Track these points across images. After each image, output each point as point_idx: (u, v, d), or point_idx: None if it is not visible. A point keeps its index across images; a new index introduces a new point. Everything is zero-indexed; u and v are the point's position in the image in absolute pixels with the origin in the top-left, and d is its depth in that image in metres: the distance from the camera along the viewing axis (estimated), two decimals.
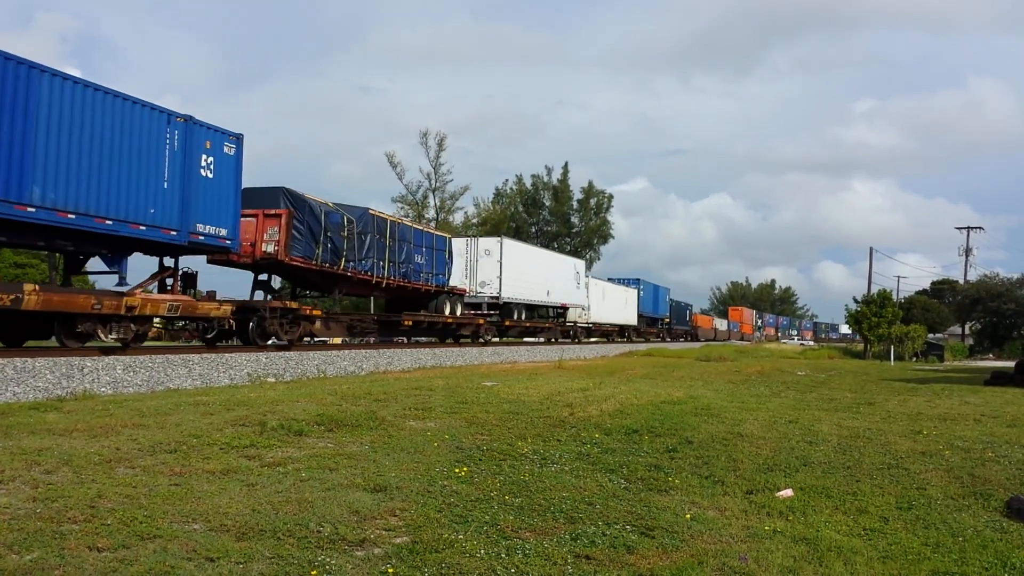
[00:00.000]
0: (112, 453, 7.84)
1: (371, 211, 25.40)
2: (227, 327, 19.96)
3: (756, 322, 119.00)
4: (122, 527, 5.49)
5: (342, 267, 23.33)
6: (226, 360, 17.35)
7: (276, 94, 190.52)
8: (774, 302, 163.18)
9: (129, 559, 4.92)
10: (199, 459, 7.80)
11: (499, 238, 36.04)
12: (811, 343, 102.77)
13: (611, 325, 54.48)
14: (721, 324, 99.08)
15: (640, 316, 59.98)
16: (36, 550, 4.98)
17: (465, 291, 32.79)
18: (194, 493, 6.50)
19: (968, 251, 78.81)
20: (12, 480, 6.63)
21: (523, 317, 38.10)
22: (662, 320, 69.46)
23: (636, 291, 59.55)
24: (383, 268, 25.73)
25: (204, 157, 17.55)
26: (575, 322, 46.96)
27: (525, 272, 36.89)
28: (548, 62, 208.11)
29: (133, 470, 7.27)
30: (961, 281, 78.48)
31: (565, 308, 43.97)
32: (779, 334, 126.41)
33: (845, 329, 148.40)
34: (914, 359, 50.65)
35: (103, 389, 13.71)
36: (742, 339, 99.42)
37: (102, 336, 15.82)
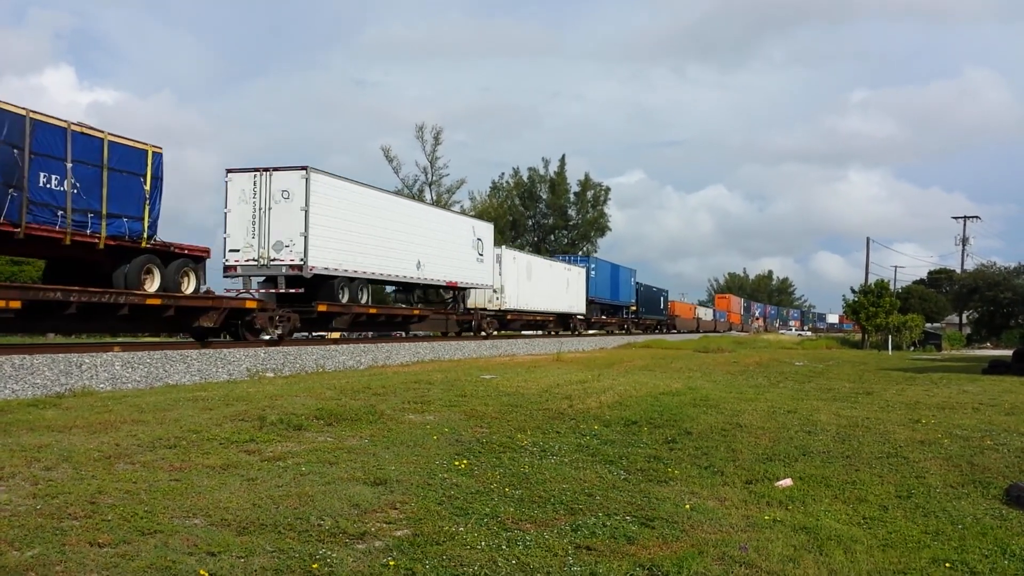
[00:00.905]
0: (112, 449, 7.84)
1: None
2: None
3: (745, 311, 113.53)
4: (123, 523, 5.49)
5: None
6: (224, 356, 17.34)
7: (272, 88, 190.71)
8: (772, 293, 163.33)
9: (130, 554, 4.92)
10: (199, 454, 7.80)
11: (304, 171, 22.13)
12: (809, 334, 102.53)
13: (544, 313, 41.73)
14: (705, 313, 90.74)
15: (591, 302, 49.03)
16: (37, 546, 4.97)
17: (205, 252, 19.43)
18: (194, 488, 6.50)
19: (965, 240, 79.00)
20: (12, 477, 6.63)
21: (364, 299, 25.64)
22: (627, 308, 58.87)
23: (584, 270, 47.39)
24: None
25: None
26: (481, 309, 35.16)
27: (364, 229, 24.68)
28: (543, 54, 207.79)
29: (133, 466, 7.27)
30: (958, 270, 78.63)
31: (456, 288, 32.55)
32: (767, 323, 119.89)
33: (832, 318, 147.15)
34: (912, 349, 50.78)
35: (102, 385, 13.69)
36: (730, 329, 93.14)
37: None
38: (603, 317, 54.11)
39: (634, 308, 60.64)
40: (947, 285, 78.74)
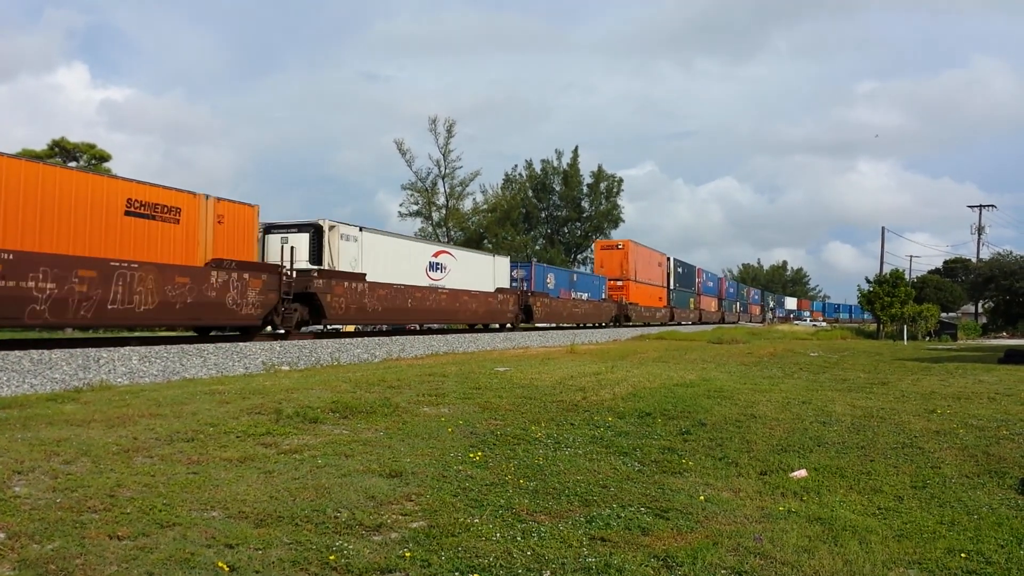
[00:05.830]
0: (130, 443, 7.91)
1: None
2: None
3: (680, 284, 63.02)
4: (141, 515, 5.55)
5: None
6: (240, 349, 17.45)
7: (284, 84, 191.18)
8: (786, 283, 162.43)
9: (149, 547, 4.97)
10: (216, 447, 7.87)
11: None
12: (824, 324, 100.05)
13: None
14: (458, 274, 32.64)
15: None
16: (57, 539, 5.04)
17: None
18: (212, 481, 6.56)
19: (980, 229, 78.21)
20: (32, 471, 6.70)
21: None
22: None
23: None
24: None
25: None
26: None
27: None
28: (551, 48, 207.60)
29: (151, 459, 7.34)
30: (974, 260, 77.95)
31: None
32: (722, 308, 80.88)
33: (791, 303, 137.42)
34: (927, 339, 50.38)
35: (119, 380, 13.81)
36: (623, 317, 49.67)
37: None
38: None
39: None
40: (963, 274, 78.19)
